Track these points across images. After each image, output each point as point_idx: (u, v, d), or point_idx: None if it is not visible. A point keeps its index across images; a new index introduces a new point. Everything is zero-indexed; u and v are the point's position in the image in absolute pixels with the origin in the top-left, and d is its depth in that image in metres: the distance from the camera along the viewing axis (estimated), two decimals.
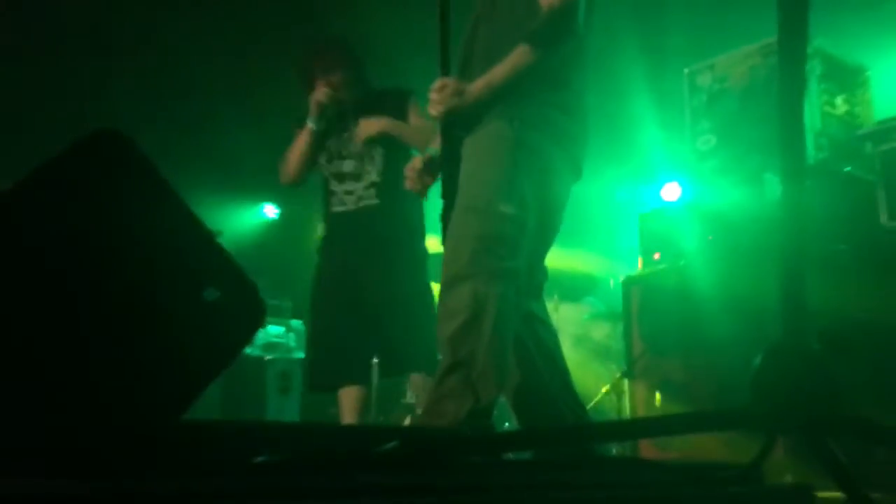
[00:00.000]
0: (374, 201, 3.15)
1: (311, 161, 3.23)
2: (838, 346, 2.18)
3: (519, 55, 2.11)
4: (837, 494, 1.10)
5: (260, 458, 1.18)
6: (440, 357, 2.06)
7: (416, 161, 2.40)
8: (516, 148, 2.08)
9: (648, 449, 2.71)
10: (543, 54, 2.13)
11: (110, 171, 1.22)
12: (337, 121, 3.22)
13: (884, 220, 2.52)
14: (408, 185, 2.39)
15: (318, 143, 3.20)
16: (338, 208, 3.18)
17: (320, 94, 3.13)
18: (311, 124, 3.16)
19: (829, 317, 2.29)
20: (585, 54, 2.27)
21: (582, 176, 2.27)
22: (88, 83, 4.52)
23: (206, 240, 1.30)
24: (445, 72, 2.23)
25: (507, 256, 2.01)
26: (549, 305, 4.79)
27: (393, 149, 3.15)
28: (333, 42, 3.32)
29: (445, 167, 2.24)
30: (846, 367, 2.20)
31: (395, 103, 3.21)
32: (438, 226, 2.23)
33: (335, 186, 3.21)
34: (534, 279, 2.24)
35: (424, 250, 3.20)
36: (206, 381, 1.35)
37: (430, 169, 2.36)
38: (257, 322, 1.33)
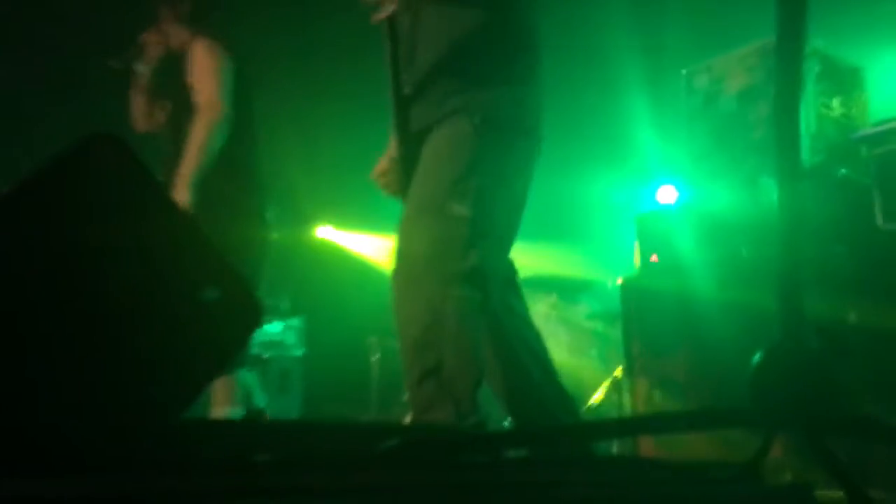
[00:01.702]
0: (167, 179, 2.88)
1: (139, 106, 3.07)
2: (836, 347, 2.18)
3: None
4: (837, 493, 1.10)
5: (260, 458, 1.18)
6: (405, 362, 1.98)
7: (382, 163, 2.33)
8: (472, 145, 2.00)
9: (648, 447, 2.72)
10: None
11: (106, 175, 1.22)
12: (160, 77, 3.07)
13: (879, 222, 2.53)
14: (382, 186, 2.33)
15: (146, 92, 3.05)
16: None
17: (145, 36, 3.04)
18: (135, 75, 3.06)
19: (826, 318, 2.29)
20: (533, 28, 2.17)
21: (541, 146, 2.17)
22: (86, 85, 4.52)
23: (201, 242, 1.30)
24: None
25: (461, 258, 1.94)
26: (548, 305, 4.83)
27: (177, 117, 2.96)
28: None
29: (406, 171, 2.14)
30: (844, 369, 2.20)
31: (183, 60, 2.99)
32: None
33: None
34: (505, 275, 2.18)
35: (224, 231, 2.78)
36: (206, 382, 1.35)
37: (395, 170, 2.27)
38: (255, 322, 1.34)
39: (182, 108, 2.93)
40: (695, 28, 4.01)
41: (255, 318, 1.34)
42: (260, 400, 3.24)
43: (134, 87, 3.10)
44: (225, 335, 1.30)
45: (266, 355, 4.79)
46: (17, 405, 1.10)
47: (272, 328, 5.09)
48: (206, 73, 2.91)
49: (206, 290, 1.26)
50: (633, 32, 3.97)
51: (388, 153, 2.32)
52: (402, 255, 2.01)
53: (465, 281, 1.94)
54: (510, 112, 2.07)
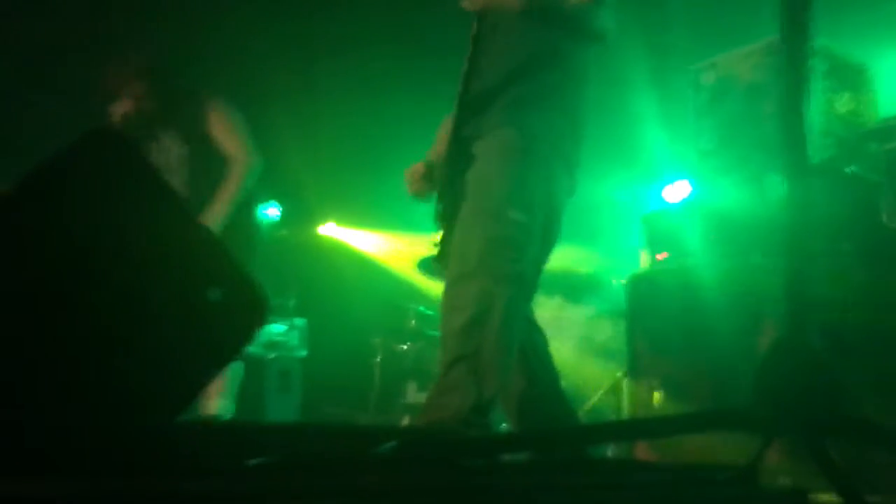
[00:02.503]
0: None
1: None
2: (841, 346, 2.17)
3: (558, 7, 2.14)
4: (835, 498, 1.09)
5: (257, 461, 1.18)
6: (443, 351, 2.08)
7: (420, 167, 2.43)
8: (526, 156, 2.13)
9: (644, 449, 2.71)
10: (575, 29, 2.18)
11: (110, 172, 1.22)
12: (143, 130, 3.30)
13: (888, 218, 2.50)
14: (410, 189, 2.41)
15: None
16: None
17: (125, 105, 3.25)
18: None
19: (832, 316, 2.27)
20: (590, 69, 2.31)
21: (576, 183, 2.31)
22: (88, 82, 4.54)
23: (206, 239, 1.30)
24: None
25: (515, 260, 2.06)
26: (553, 305, 4.81)
27: (197, 159, 3.31)
28: (133, 56, 3.39)
29: (448, 170, 2.25)
30: (848, 367, 2.18)
31: (192, 111, 3.32)
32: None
33: None
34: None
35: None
36: (210, 379, 1.35)
37: (430, 176, 2.40)
38: (261, 319, 1.33)
39: (199, 155, 3.31)
40: (701, 26, 3.99)
41: (260, 316, 1.34)
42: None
43: None
44: (229, 333, 1.30)
45: (269, 356, 4.79)
46: (16, 403, 1.10)
47: (276, 328, 5.08)
48: (228, 129, 3.34)
49: (211, 288, 1.26)
50: (640, 30, 3.96)
51: (426, 158, 2.45)
52: (458, 252, 2.12)
53: (516, 281, 2.05)
54: (552, 137, 2.19)
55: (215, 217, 3.19)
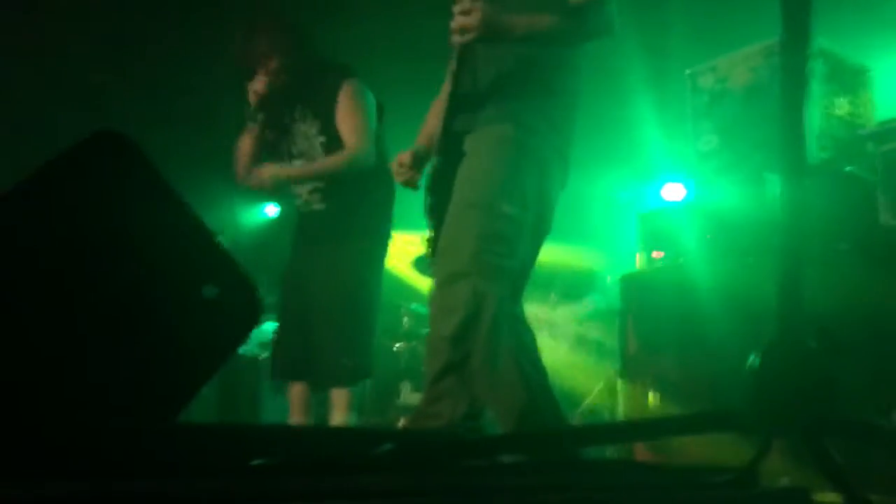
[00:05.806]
0: (320, 206, 3.07)
1: (258, 159, 3.07)
2: (837, 346, 2.16)
3: (562, 21, 2.08)
4: (835, 497, 1.09)
5: (256, 462, 1.18)
6: (432, 355, 2.05)
7: (405, 156, 2.38)
8: (520, 151, 2.09)
9: (643, 450, 2.70)
10: (581, 30, 2.12)
11: (111, 172, 1.22)
12: (280, 112, 3.03)
13: (884, 218, 2.51)
14: (397, 178, 2.39)
15: (261, 137, 3.04)
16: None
17: (258, 84, 2.95)
18: (249, 121, 3.02)
19: (829, 316, 2.27)
20: (585, 61, 2.27)
21: (568, 176, 2.27)
22: (91, 81, 4.53)
23: (205, 238, 1.30)
24: None
25: (507, 256, 2.02)
26: (547, 304, 4.81)
27: (332, 150, 3.01)
28: (267, 25, 3.04)
29: (439, 164, 2.21)
30: (845, 367, 2.18)
31: (327, 91, 3.02)
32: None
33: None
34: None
35: (368, 250, 3.09)
36: (205, 379, 1.34)
37: (417, 163, 2.36)
38: (254, 319, 1.33)
39: (338, 142, 3.02)
40: (699, 29, 4.00)
41: (253, 315, 1.33)
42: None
43: (243, 140, 3.11)
44: (223, 332, 1.29)
45: (264, 356, 4.75)
46: (15, 403, 1.10)
47: (272, 326, 5.04)
48: (348, 110, 3.01)
49: (207, 286, 1.26)
50: (639, 32, 3.96)
51: (412, 148, 2.40)
52: (449, 249, 2.07)
53: (506, 278, 2.02)
54: (548, 132, 2.16)
55: (281, 173, 3.02)
